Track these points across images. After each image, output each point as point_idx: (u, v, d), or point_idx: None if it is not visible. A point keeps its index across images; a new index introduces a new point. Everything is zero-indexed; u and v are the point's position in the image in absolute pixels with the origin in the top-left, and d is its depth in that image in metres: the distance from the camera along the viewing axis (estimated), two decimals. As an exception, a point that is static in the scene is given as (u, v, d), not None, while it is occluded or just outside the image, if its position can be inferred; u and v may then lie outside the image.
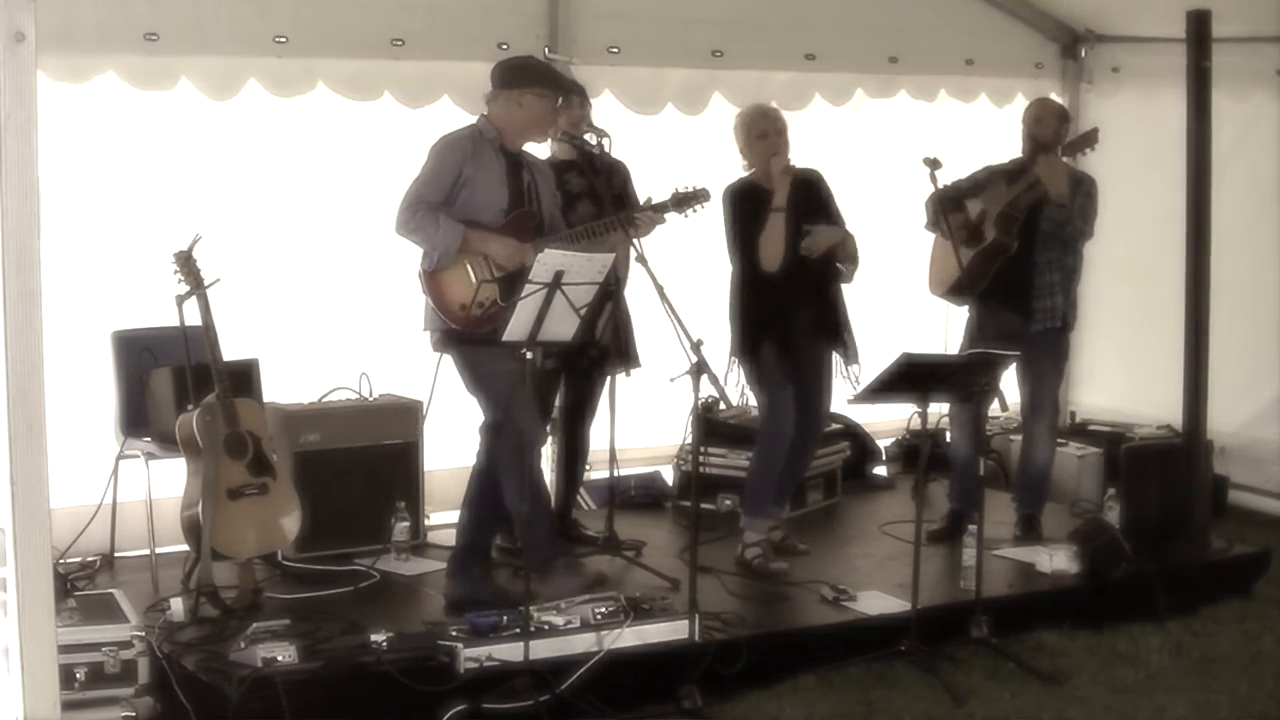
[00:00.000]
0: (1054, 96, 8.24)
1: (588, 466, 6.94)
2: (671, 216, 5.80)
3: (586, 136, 5.89)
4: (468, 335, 5.33)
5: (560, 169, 5.92)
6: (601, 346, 6.02)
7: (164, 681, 4.76)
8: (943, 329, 7.16)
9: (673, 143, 7.15)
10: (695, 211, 5.83)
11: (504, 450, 5.39)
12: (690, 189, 5.79)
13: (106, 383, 5.95)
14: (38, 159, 3.80)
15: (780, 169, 5.95)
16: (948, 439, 6.83)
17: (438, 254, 5.29)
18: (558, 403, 6.29)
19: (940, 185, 6.18)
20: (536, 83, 5.43)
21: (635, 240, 5.39)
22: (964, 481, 6.51)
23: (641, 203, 5.90)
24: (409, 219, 5.30)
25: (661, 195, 5.82)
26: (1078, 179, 6.42)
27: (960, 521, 6.27)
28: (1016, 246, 6.30)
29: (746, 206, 5.98)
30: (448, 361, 5.51)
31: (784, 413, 6.04)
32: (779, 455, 6.10)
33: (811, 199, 6.07)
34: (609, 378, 6.19)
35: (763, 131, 6.03)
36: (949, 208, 6.41)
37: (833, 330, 6.12)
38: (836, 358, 6.14)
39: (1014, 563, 6.15)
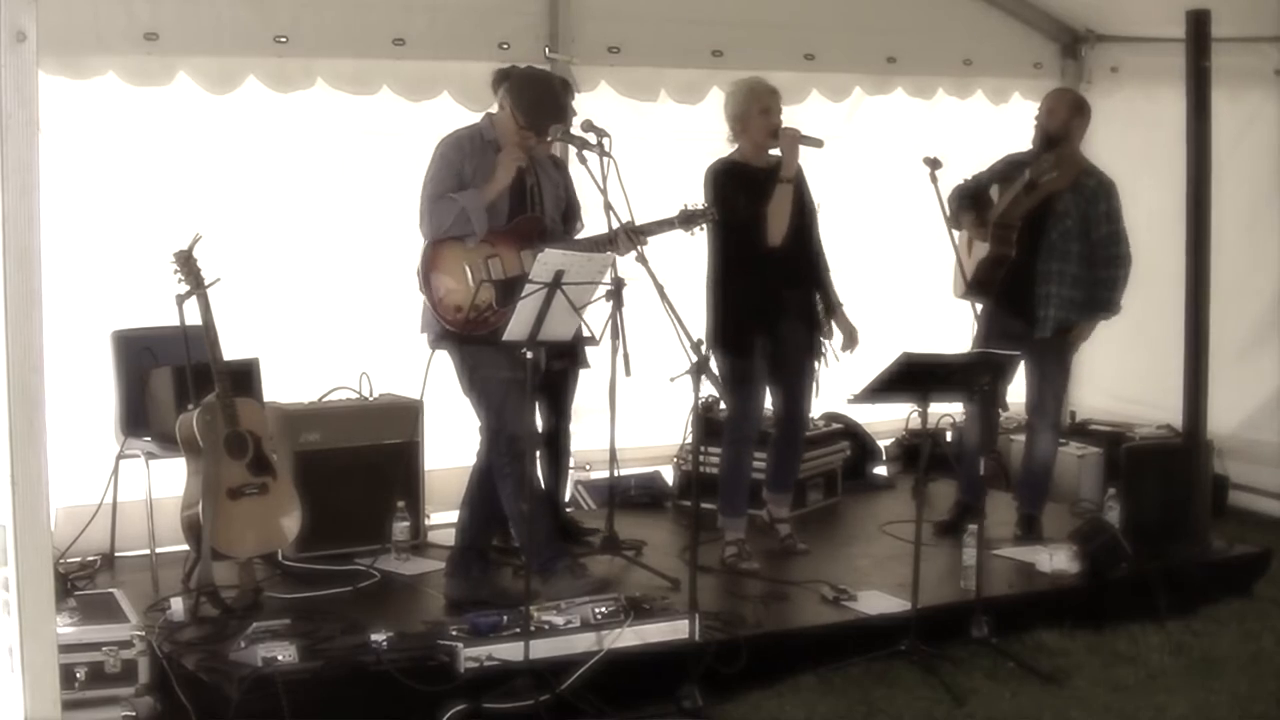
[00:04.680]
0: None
1: (587, 467, 6.97)
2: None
3: (586, 136, 5.86)
4: (466, 336, 5.33)
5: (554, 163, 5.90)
6: (571, 350, 6.01)
7: (164, 681, 4.76)
8: (947, 327, 7.13)
9: (670, 133, 7.18)
10: (701, 230, 5.80)
11: (498, 455, 5.39)
12: (698, 207, 5.76)
13: (106, 382, 5.94)
14: (38, 159, 3.80)
15: (790, 138, 5.90)
16: (948, 439, 6.83)
17: (474, 220, 5.25)
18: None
19: (939, 183, 6.17)
20: (516, 103, 5.39)
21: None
22: (971, 471, 6.52)
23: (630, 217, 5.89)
24: (432, 209, 5.28)
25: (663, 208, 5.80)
26: (1094, 189, 6.32)
27: (966, 513, 6.27)
28: (1015, 254, 6.30)
29: (739, 183, 5.94)
30: (442, 360, 5.49)
31: (751, 415, 6.06)
32: (746, 455, 6.14)
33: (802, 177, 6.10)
34: (574, 380, 6.31)
35: (766, 107, 5.97)
36: (967, 205, 6.42)
37: (814, 315, 6.13)
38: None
39: (1014, 563, 6.16)
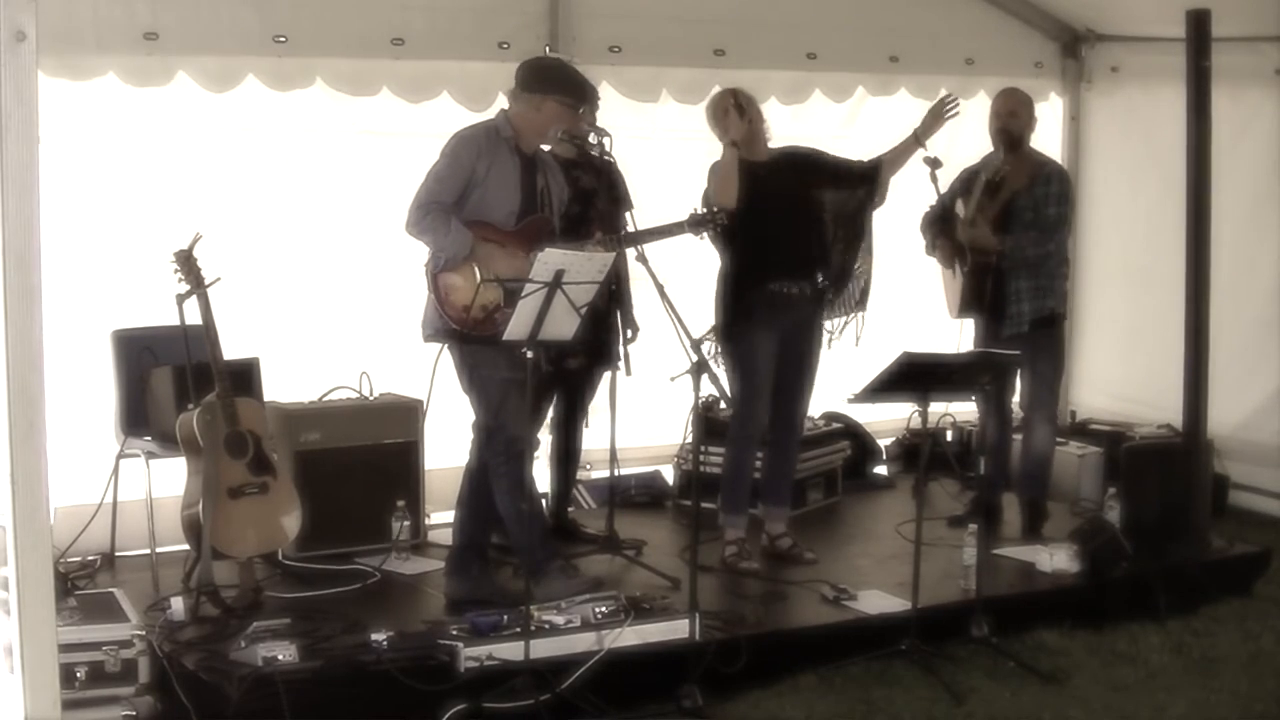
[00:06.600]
0: (1054, 95, 8.28)
1: (587, 466, 6.96)
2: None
3: (588, 136, 5.86)
4: (467, 334, 5.33)
5: (568, 166, 5.89)
6: (593, 348, 6.01)
7: (164, 681, 4.76)
8: (949, 328, 7.13)
9: (672, 133, 7.17)
10: (710, 234, 5.79)
11: (494, 454, 5.39)
12: (708, 211, 5.74)
13: (106, 382, 5.94)
14: (38, 159, 3.80)
15: (726, 107, 5.89)
16: (948, 438, 6.83)
17: (444, 258, 5.29)
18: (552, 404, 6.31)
19: (939, 183, 6.19)
20: (560, 90, 5.40)
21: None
22: (988, 468, 6.62)
23: (632, 219, 5.88)
24: (420, 219, 5.28)
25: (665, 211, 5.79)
26: (1047, 175, 6.45)
27: (978, 508, 6.31)
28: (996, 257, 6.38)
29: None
30: (446, 358, 5.50)
31: (754, 414, 6.01)
32: (748, 456, 6.12)
33: (811, 169, 6.11)
34: (598, 379, 6.27)
35: (725, 108, 5.93)
36: (940, 231, 6.49)
37: (814, 266, 6.06)
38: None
39: (1014, 562, 6.16)
